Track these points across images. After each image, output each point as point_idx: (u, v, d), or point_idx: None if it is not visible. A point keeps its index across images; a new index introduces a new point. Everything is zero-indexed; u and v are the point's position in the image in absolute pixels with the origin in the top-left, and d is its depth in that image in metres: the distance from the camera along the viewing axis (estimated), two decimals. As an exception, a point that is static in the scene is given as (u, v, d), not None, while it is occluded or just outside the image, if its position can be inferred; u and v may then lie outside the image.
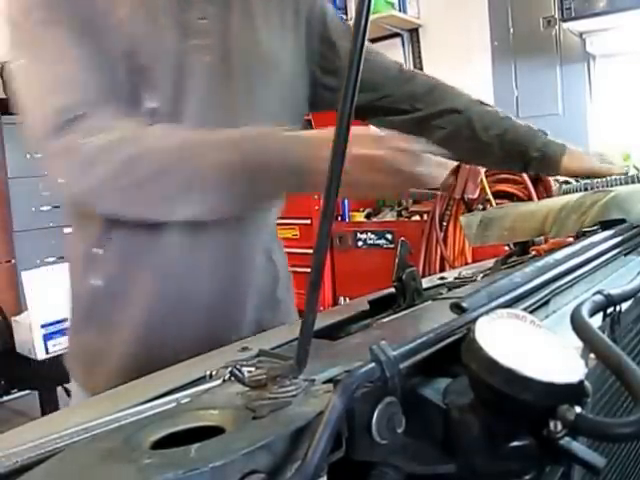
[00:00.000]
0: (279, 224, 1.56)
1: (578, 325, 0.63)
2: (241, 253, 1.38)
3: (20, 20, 1.18)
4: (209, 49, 1.28)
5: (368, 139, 1.09)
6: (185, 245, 1.28)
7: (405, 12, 4.23)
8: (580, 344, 0.61)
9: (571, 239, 1.34)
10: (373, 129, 1.16)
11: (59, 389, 3.93)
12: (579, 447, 0.52)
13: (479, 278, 1.18)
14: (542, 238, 1.40)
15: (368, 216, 4.21)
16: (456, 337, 0.65)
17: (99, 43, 1.17)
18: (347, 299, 3.71)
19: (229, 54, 1.31)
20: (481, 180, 3.33)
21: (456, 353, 0.58)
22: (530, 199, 3.25)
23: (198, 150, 1.14)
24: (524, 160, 1.54)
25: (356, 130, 1.06)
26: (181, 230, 1.26)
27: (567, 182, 3.19)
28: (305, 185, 1.17)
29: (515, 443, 0.54)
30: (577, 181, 1.50)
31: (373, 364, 0.54)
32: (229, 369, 0.66)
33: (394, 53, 4.46)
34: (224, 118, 1.26)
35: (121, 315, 1.29)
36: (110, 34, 1.18)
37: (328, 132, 1.07)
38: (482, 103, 1.64)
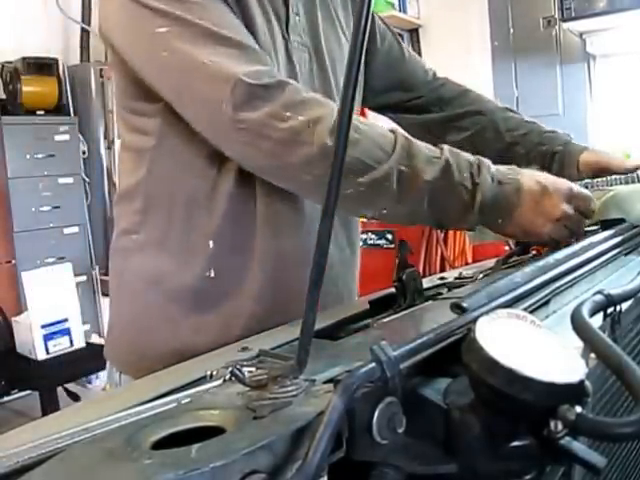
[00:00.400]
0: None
1: (578, 325, 0.63)
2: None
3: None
4: (306, 47, 1.30)
5: (576, 195, 1.17)
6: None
7: (405, 12, 4.23)
8: (580, 344, 0.61)
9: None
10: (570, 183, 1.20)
11: (59, 389, 3.93)
12: (580, 447, 0.52)
13: (479, 278, 1.18)
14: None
15: (369, 216, 4.19)
16: (456, 337, 0.65)
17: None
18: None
19: (320, 54, 1.33)
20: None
21: (456, 353, 0.58)
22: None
23: (413, 161, 1.10)
24: (546, 156, 1.54)
25: (564, 183, 1.18)
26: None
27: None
28: (494, 226, 1.17)
29: (516, 443, 0.54)
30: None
31: (373, 364, 0.54)
32: (229, 369, 0.66)
33: (394, 53, 4.45)
34: None
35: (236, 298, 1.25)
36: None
37: (535, 185, 1.14)
38: (508, 109, 1.65)
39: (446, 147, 1.14)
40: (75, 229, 4.77)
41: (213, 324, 1.24)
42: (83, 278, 4.69)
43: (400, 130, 1.16)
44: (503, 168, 1.16)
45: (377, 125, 1.14)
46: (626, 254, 1.16)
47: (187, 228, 1.26)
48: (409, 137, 1.13)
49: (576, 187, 1.19)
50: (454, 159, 1.12)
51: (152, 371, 0.87)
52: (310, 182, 1.10)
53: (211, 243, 1.23)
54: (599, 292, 0.73)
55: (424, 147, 1.12)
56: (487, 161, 1.14)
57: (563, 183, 1.17)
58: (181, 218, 1.26)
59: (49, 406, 3.76)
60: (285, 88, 1.09)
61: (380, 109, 1.64)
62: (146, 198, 1.29)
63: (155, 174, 1.27)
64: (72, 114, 4.92)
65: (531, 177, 1.15)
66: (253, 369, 0.64)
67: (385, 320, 0.99)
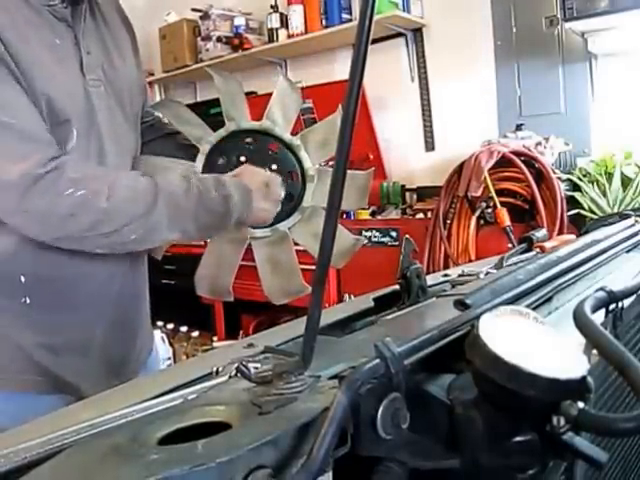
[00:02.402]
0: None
1: (581, 322, 0.63)
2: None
3: None
4: (101, 81, 1.42)
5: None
6: None
7: (409, 12, 4.21)
8: (583, 340, 0.61)
9: (573, 236, 1.35)
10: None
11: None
12: (582, 442, 0.53)
13: (482, 275, 1.18)
14: (545, 235, 1.40)
15: (373, 214, 4.20)
16: (460, 334, 0.66)
17: (27, 92, 1.25)
18: (352, 296, 3.72)
19: (116, 86, 1.46)
20: (484, 178, 3.33)
21: (460, 349, 0.58)
22: (533, 198, 3.26)
23: (172, 200, 1.33)
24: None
25: (269, 174, 1.51)
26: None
27: (570, 180, 3.19)
28: (243, 222, 1.46)
29: (518, 438, 0.54)
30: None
31: (378, 360, 0.55)
32: (235, 365, 0.66)
33: (398, 53, 4.46)
34: (122, 144, 1.48)
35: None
36: (29, 80, 1.25)
37: (254, 180, 1.46)
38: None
39: (193, 176, 1.40)
40: None
41: None
42: None
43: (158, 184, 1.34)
44: (228, 176, 1.45)
45: (128, 177, 1.35)
46: (627, 251, 1.16)
47: None
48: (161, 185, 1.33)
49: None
50: (200, 183, 1.38)
51: None
52: (103, 241, 1.29)
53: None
54: (601, 289, 0.74)
55: (176, 183, 1.36)
56: (221, 176, 1.44)
57: (270, 175, 1.51)
58: None
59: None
60: (62, 170, 1.23)
61: None
62: None
63: None
64: None
65: (252, 175, 1.48)
66: (258, 365, 0.64)
67: (389, 317, 0.99)
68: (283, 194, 1.49)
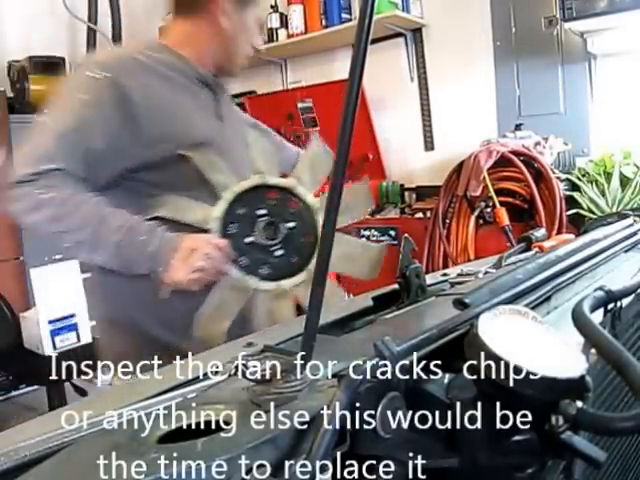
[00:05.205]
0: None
1: (579, 321, 0.63)
2: None
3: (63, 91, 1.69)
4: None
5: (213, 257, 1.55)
6: None
7: (409, 12, 4.21)
8: (581, 340, 0.61)
9: (572, 235, 1.35)
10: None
11: (66, 384, 3.92)
12: (580, 441, 0.53)
13: (481, 275, 1.18)
14: (544, 234, 1.40)
15: (372, 213, 4.21)
16: (459, 333, 0.66)
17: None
18: (351, 295, 3.72)
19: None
20: (484, 178, 3.33)
21: (459, 349, 0.58)
22: (532, 197, 3.26)
23: (103, 227, 1.55)
24: None
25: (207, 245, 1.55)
26: None
27: (569, 180, 3.19)
28: (158, 272, 1.56)
29: (517, 437, 0.55)
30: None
31: (377, 359, 0.55)
32: (235, 364, 0.66)
33: (397, 53, 4.46)
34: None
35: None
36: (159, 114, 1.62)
37: (185, 242, 1.54)
38: None
39: (134, 219, 1.58)
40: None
41: None
42: (89, 275, 4.69)
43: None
44: (171, 235, 1.56)
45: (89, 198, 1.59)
46: (626, 251, 1.16)
47: None
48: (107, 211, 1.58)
49: (217, 253, 1.54)
50: (137, 224, 1.56)
51: None
52: (53, 234, 1.58)
53: None
54: (600, 288, 0.74)
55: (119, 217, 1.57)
56: (159, 229, 1.56)
57: (201, 243, 1.53)
58: None
59: (56, 401, 3.77)
60: (44, 179, 1.53)
61: None
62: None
63: None
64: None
65: (187, 238, 1.55)
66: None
67: (388, 316, 0.99)
68: (203, 264, 1.53)
